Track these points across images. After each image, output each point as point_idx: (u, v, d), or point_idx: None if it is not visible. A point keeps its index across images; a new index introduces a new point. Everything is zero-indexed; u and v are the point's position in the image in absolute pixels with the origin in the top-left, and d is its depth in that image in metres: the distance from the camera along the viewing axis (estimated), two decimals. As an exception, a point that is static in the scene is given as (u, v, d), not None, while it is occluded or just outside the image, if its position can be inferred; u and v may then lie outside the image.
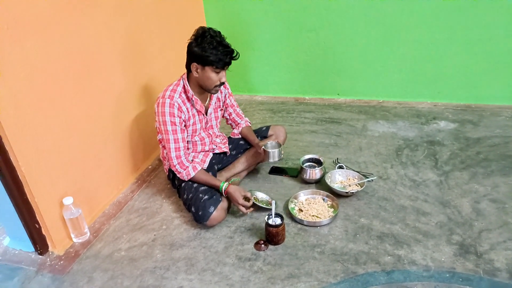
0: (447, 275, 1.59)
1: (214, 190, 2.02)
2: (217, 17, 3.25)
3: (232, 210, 2.05)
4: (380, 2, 2.84)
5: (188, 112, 2.00)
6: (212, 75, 1.89)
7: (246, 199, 1.95)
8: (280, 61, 3.31)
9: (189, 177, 1.99)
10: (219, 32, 1.90)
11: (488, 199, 1.99)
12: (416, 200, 2.03)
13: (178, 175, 2.02)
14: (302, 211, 2.00)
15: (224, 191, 1.96)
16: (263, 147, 2.19)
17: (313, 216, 1.95)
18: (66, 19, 1.82)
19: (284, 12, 3.09)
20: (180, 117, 1.96)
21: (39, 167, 1.75)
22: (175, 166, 1.99)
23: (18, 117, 1.63)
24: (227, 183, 1.98)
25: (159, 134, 2.15)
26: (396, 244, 1.76)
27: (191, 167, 1.99)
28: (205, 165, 2.11)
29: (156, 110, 1.96)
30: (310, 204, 2.03)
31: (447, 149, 2.44)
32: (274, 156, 2.17)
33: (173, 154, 1.98)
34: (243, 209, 1.93)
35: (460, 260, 1.65)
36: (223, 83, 1.94)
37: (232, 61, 1.90)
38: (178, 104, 1.94)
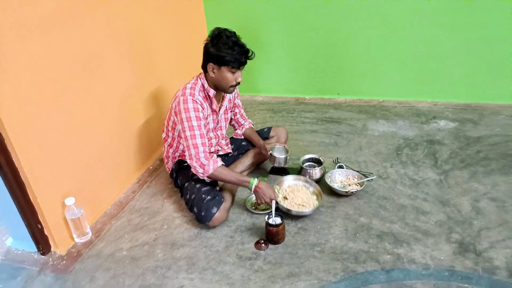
0: (446, 274, 1.60)
1: (217, 191, 2.03)
2: (217, 17, 3.26)
3: (232, 210, 2.07)
4: (380, 2, 2.85)
5: (207, 110, 2.01)
6: (228, 75, 1.90)
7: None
8: (281, 61, 3.33)
9: (214, 170, 1.88)
10: (235, 33, 1.92)
11: (487, 197, 2.00)
12: (416, 199, 2.03)
13: (200, 171, 1.89)
14: (287, 199, 2.02)
15: (255, 186, 1.91)
16: (270, 151, 2.18)
17: (298, 204, 1.97)
18: (71, 20, 1.84)
19: (285, 12, 3.11)
20: (203, 113, 1.97)
21: (42, 168, 1.76)
22: (199, 160, 1.88)
23: (21, 117, 1.64)
24: (257, 179, 1.93)
25: (165, 133, 2.16)
26: (396, 242, 1.77)
27: (216, 159, 1.92)
28: None
29: (178, 108, 1.92)
30: (294, 192, 2.05)
31: (447, 148, 2.45)
32: (280, 162, 2.18)
33: (200, 149, 1.88)
34: (275, 198, 1.92)
35: (459, 259, 1.66)
36: (239, 83, 1.96)
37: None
38: (200, 101, 1.94)
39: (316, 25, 3.08)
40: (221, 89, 1.99)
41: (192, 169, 1.93)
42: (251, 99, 3.47)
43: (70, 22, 1.84)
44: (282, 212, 1.92)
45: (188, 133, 1.90)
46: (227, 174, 1.92)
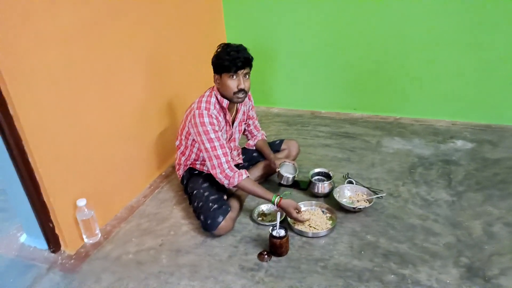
0: (452, 298, 1.55)
1: (224, 200, 2.05)
2: (238, 30, 3.33)
3: (238, 220, 2.08)
4: (398, 19, 2.84)
5: (221, 123, 2.03)
6: (228, 82, 1.91)
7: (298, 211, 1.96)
8: (298, 74, 3.35)
9: (238, 182, 1.93)
10: (240, 44, 1.94)
11: (502, 222, 1.93)
12: (426, 220, 1.99)
13: (225, 181, 1.94)
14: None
15: (277, 204, 1.93)
16: (278, 169, 2.18)
17: (310, 227, 1.95)
18: (90, 31, 1.93)
19: (303, 26, 3.14)
20: (219, 126, 2.00)
21: (56, 170, 1.83)
22: (224, 171, 1.93)
23: (39, 122, 1.72)
24: (279, 196, 1.94)
25: (178, 141, 2.21)
26: (402, 263, 1.73)
27: (242, 171, 1.96)
28: None
29: (193, 121, 1.95)
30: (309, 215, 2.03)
31: (462, 169, 2.39)
32: (288, 181, 2.19)
33: (222, 160, 1.93)
34: (301, 219, 1.94)
35: (467, 283, 1.61)
36: (242, 90, 1.93)
37: (251, 69, 1.94)
38: (215, 115, 1.97)
39: (333, 39, 3.09)
40: (228, 99, 1.99)
41: (217, 180, 1.97)
42: (266, 111, 3.50)
43: (90, 34, 1.93)
44: (291, 229, 1.94)
45: (208, 145, 1.93)
46: (251, 188, 1.96)
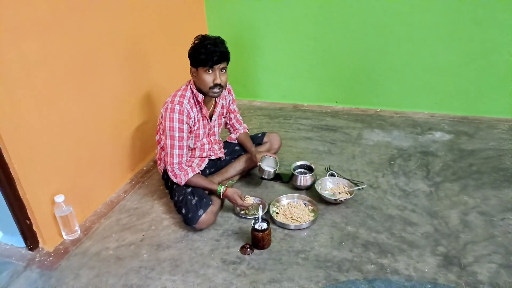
0: (429, 286, 1.59)
1: (205, 193, 2.04)
2: (219, 22, 3.30)
3: (221, 213, 2.08)
4: (379, 12, 2.86)
5: (195, 117, 2.01)
6: (205, 76, 1.88)
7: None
8: (280, 67, 3.35)
9: (186, 181, 1.99)
10: (218, 36, 1.90)
11: (476, 211, 1.99)
12: (404, 210, 2.03)
13: (175, 180, 2.01)
14: (284, 214, 2.03)
15: (222, 194, 1.99)
16: (259, 163, 2.17)
17: (292, 219, 1.97)
18: (65, 21, 1.87)
19: (285, 20, 3.13)
20: (188, 124, 1.97)
21: (33, 165, 1.79)
22: (173, 170, 1.99)
23: (13, 115, 1.67)
24: (224, 186, 2.01)
25: (158, 135, 2.18)
26: (380, 253, 1.77)
27: (189, 170, 2.00)
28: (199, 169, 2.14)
29: (164, 115, 1.95)
30: (291, 208, 2.05)
31: (440, 160, 2.44)
32: (269, 175, 2.20)
33: (175, 160, 1.97)
34: (245, 205, 1.99)
35: (443, 271, 1.65)
36: (218, 85, 1.89)
37: (228, 63, 1.91)
38: (187, 110, 1.94)
39: (315, 33, 3.10)
40: (203, 93, 1.96)
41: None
42: (249, 104, 3.49)
43: (66, 24, 1.88)
44: (273, 222, 1.96)
45: (168, 142, 1.96)
46: (198, 182, 2.02)
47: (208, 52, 1.82)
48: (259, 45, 3.29)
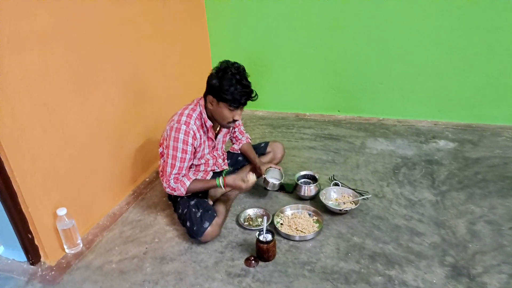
0: (438, 298, 1.56)
1: (210, 205, 2.02)
2: (221, 34, 3.30)
3: (225, 225, 2.05)
4: (381, 21, 2.87)
5: (200, 138, 1.99)
6: (225, 112, 1.85)
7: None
8: (282, 77, 3.35)
9: (185, 189, 1.94)
10: (243, 69, 1.86)
11: (484, 220, 1.96)
12: (411, 220, 2.00)
13: (174, 193, 1.97)
14: (288, 225, 2.00)
15: (223, 185, 1.96)
16: (264, 175, 2.15)
17: (297, 230, 1.94)
18: (67, 33, 1.87)
19: (287, 29, 3.14)
20: (193, 145, 1.95)
21: (34, 178, 1.77)
22: (170, 186, 1.95)
23: (14, 128, 1.65)
24: (222, 176, 1.99)
25: (161, 148, 2.17)
26: (388, 264, 1.74)
27: (185, 179, 1.96)
28: None
29: (169, 133, 1.92)
30: (295, 219, 2.03)
31: (445, 168, 2.42)
32: (274, 187, 2.17)
33: (174, 171, 1.93)
34: (250, 185, 1.96)
35: (452, 283, 1.62)
36: (236, 121, 1.90)
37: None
38: (194, 131, 1.92)
39: (318, 43, 3.10)
40: (218, 123, 1.96)
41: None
42: (251, 114, 3.48)
43: (68, 36, 1.87)
44: (278, 233, 1.93)
45: (170, 161, 1.94)
46: (197, 186, 1.98)
47: (240, 94, 1.79)
48: (261, 55, 3.29)
